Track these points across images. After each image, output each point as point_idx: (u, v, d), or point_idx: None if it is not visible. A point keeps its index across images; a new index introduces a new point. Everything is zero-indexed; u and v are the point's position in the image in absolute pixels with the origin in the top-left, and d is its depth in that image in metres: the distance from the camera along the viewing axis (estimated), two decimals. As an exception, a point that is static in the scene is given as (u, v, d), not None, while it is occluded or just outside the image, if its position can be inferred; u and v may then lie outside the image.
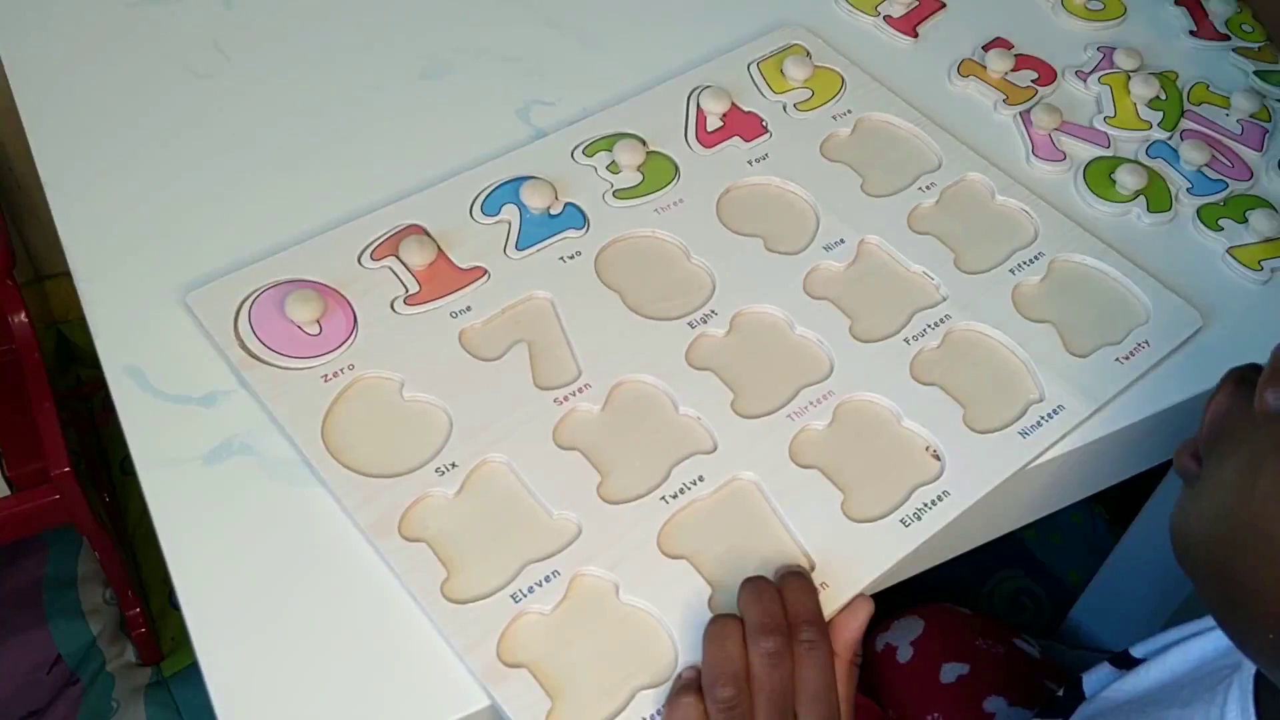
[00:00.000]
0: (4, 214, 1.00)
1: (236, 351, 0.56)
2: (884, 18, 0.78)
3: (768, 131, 0.70)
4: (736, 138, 0.69)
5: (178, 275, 0.60)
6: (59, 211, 0.62)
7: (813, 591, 0.50)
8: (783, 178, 0.67)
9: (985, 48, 0.77)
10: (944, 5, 0.80)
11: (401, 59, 0.72)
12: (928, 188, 0.68)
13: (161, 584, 1.17)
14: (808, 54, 0.74)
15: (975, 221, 0.67)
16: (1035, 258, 0.65)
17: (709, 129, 0.69)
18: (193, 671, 1.11)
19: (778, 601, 0.48)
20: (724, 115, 0.70)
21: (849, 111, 0.71)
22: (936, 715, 0.72)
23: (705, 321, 0.60)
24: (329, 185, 0.65)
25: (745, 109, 0.70)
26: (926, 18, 0.79)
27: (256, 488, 0.53)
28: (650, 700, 0.48)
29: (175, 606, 0.53)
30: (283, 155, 0.66)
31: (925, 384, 0.59)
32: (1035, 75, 0.76)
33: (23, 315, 0.97)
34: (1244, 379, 0.45)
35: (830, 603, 0.51)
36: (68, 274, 0.60)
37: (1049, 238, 0.66)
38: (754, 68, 0.73)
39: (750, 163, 0.68)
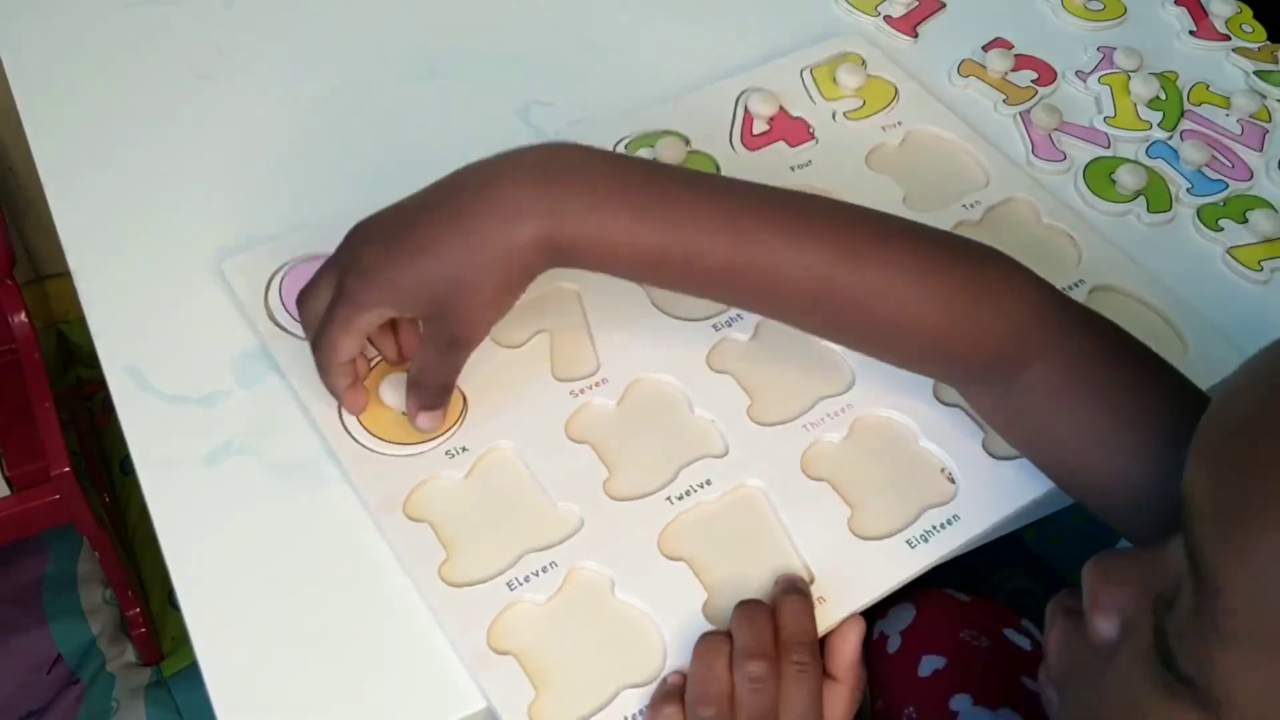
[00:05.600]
0: (4, 214, 0.99)
1: (265, 323, 0.56)
2: (884, 18, 0.78)
3: (814, 138, 0.69)
4: (781, 142, 0.69)
5: (177, 276, 0.60)
6: (59, 211, 0.62)
7: (809, 613, 0.49)
8: (824, 184, 0.66)
9: (985, 48, 0.77)
10: (944, 5, 0.80)
11: (402, 59, 0.72)
12: (972, 205, 0.67)
13: (161, 584, 1.17)
14: (863, 62, 0.73)
15: (1019, 243, 0.65)
16: (1076, 283, 0.64)
17: (755, 132, 0.69)
18: (193, 671, 1.11)
19: (769, 627, 0.48)
20: (771, 119, 0.69)
21: (899, 123, 0.71)
22: (911, 710, 0.71)
23: (730, 325, 0.60)
24: (328, 186, 0.64)
25: (794, 114, 0.70)
26: (926, 18, 0.79)
27: (257, 488, 0.53)
28: (634, 699, 0.48)
29: (175, 606, 0.53)
30: (282, 156, 0.66)
31: (948, 404, 0.58)
32: (1035, 75, 0.76)
33: (23, 315, 0.97)
34: (1070, 610, 0.45)
35: (825, 618, 0.51)
36: (68, 274, 0.60)
37: (1092, 264, 0.65)
38: (807, 73, 0.73)
39: (793, 168, 0.67)
